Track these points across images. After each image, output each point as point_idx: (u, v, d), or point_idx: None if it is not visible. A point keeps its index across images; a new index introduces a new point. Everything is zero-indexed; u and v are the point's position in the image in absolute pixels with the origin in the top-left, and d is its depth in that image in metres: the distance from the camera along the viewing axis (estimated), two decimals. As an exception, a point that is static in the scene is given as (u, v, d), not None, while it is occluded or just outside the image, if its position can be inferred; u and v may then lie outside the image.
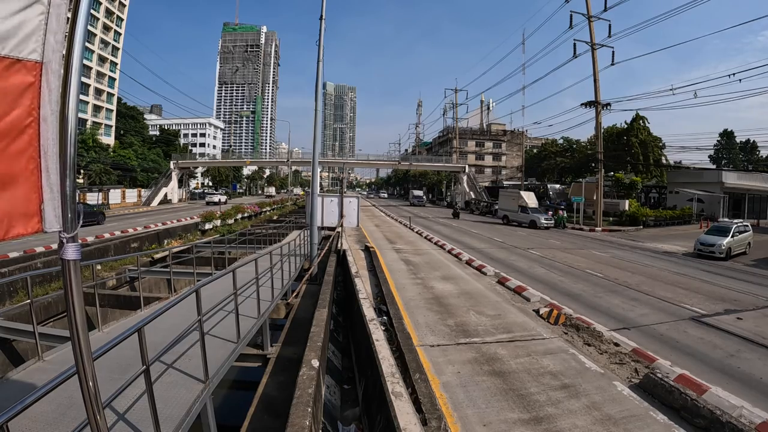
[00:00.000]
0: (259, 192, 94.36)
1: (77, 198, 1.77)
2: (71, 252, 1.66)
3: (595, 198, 31.45)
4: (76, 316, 1.72)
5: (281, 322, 9.19)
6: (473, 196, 53.19)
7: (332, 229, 17.96)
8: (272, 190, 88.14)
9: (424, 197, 63.53)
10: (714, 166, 63.02)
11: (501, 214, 33.04)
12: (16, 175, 1.56)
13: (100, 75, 61.74)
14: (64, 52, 1.60)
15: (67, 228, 1.65)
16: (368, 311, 8.13)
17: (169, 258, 10.46)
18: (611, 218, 33.30)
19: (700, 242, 18.20)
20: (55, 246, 15.36)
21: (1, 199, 1.54)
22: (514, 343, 6.96)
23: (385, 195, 60.86)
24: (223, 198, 52.19)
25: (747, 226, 19.61)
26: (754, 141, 68.63)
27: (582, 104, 31.68)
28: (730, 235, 17.76)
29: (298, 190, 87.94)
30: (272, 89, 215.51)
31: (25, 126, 1.57)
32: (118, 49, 65.40)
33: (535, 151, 64.58)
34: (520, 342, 7.04)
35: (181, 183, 59.04)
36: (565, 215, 31.84)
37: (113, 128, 64.52)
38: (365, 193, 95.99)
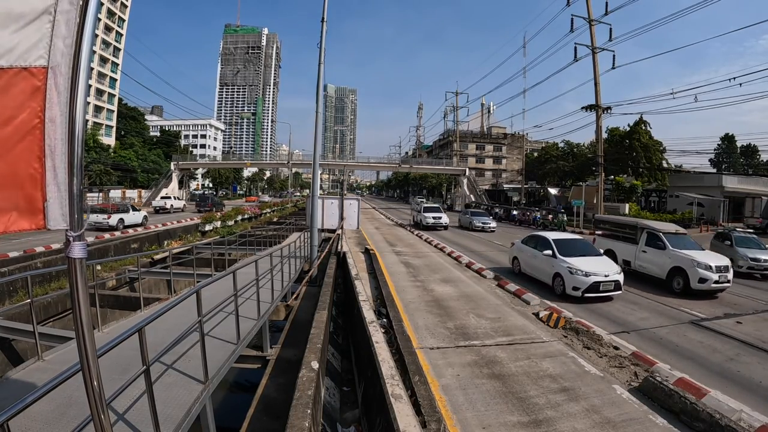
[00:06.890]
0: (260, 194, 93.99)
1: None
2: (78, 250, 1.68)
3: (595, 202, 31.46)
4: (82, 313, 1.74)
5: (281, 324, 9.19)
6: (473, 199, 53.31)
7: (332, 231, 17.97)
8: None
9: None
10: (714, 170, 62.94)
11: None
12: (21, 174, 1.63)
13: (101, 76, 61.95)
14: (72, 56, 1.63)
15: (74, 226, 1.68)
16: (368, 313, 8.12)
17: (169, 259, 10.48)
18: (611, 222, 33.29)
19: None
20: (54, 246, 15.48)
21: (7, 195, 1.61)
22: (514, 346, 6.96)
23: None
24: (179, 203, 37.92)
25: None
26: (754, 145, 68.62)
27: (583, 108, 31.72)
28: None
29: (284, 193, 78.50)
30: (273, 91, 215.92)
31: (32, 128, 1.62)
32: (119, 49, 65.68)
33: (535, 154, 64.51)
34: (520, 345, 7.04)
35: (182, 184, 59.10)
36: (565, 219, 31.86)
37: (114, 129, 64.75)
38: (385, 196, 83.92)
